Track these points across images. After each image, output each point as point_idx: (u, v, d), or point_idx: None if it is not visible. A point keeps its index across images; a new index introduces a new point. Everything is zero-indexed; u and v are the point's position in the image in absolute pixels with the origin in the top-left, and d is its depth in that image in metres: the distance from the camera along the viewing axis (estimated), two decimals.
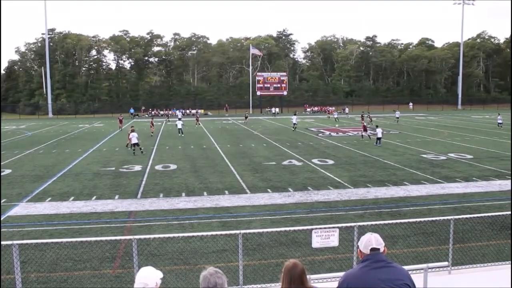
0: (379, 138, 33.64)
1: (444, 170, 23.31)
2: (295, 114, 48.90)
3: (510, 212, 10.94)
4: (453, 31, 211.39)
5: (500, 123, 47.96)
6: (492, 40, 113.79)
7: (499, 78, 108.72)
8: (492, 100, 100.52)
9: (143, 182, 21.06)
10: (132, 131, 30.69)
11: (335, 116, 63.03)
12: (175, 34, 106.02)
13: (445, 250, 9.33)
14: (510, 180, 20.61)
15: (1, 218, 15.28)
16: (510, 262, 8.76)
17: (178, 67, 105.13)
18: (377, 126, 35.36)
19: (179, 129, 43.29)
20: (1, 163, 26.69)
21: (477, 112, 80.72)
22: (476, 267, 9.06)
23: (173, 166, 25.36)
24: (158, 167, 25.09)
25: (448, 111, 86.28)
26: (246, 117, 61.01)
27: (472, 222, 12.79)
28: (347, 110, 77.32)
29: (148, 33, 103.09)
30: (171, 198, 18.01)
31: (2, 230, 13.99)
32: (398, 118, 57.99)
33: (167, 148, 33.29)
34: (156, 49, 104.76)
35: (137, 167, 25.09)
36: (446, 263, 8.23)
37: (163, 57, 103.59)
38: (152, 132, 44.09)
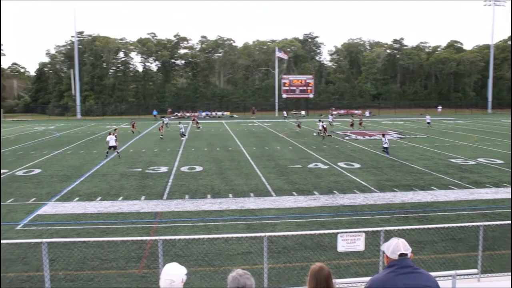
0: (385, 148, 30.12)
1: (473, 175, 22.88)
2: (320, 121, 47.77)
3: None
4: (483, 33, 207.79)
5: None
6: None
7: None
8: None
9: (169, 184, 21.22)
10: (110, 134, 31.09)
11: (330, 121, 58.33)
12: (202, 37, 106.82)
13: (474, 257, 9.15)
14: None
15: (30, 217, 15.57)
16: (510, 273, 8.54)
17: (204, 70, 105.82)
18: (383, 135, 31.87)
19: (181, 132, 42.44)
20: (30, 163, 27.26)
21: (507, 116, 79.03)
22: (506, 275, 8.85)
23: (198, 168, 25.49)
24: (184, 169, 25.25)
25: (477, 115, 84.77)
26: (298, 125, 50.28)
27: (503, 229, 12.54)
28: (367, 113, 76.15)
29: (175, 36, 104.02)
30: (197, 199, 18.09)
31: (31, 228, 14.28)
32: (429, 123, 54.50)
33: (193, 150, 33.48)
34: (182, 51, 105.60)
35: (163, 169, 25.30)
36: (475, 270, 8.08)
37: (190, 59, 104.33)
38: (162, 135, 43.10)
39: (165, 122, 53.26)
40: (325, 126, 42.28)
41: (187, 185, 20.91)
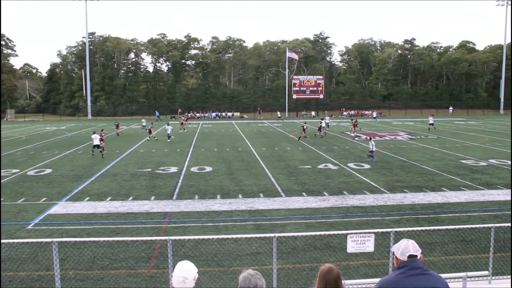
0: (371, 152, 28.32)
1: (485, 177, 22.70)
2: (322, 119, 47.28)
3: None
4: (496, 33, 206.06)
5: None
6: None
7: None
8: None
9: (179, 184, 21.27)
10: (94, 133, 31.30)
11: (327, 121, 55.53)
12: (213, 37, 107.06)
13: (485, 258, 9.08)
14: None
15: (41, 217, 15.68)
16: (510, 275, 8.46)
17: (214, 70, 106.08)
18: (370, 139, 30.67)
19: (168, 134, 41.47)
20: (42, 163, 27.47)
21: None
22: None
23: (208, 168, 25.53)
24: (194, 169, 25.30)
25: (489, 115, 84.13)
26: (304, 129, 42.23)
27: None
28: (375, 114, 75.43)
29: (185, 36, 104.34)
30: (206, 200, 18.11)
31: (42, 227, 14.37)
32: (432, 124, 50.70)
33: (202, 150, 33.55)
34: (193, 52, 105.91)
35: (173, 169, 25.36)
36: (486, 272, 8.01)
37: (200, 60, 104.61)
38: (149, 137, 41.73)
39: (143, 124, 52.08)
40: (322, 125, 42.47)
41: (196, 185, 20.94)
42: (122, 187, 20.57)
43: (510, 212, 16.06)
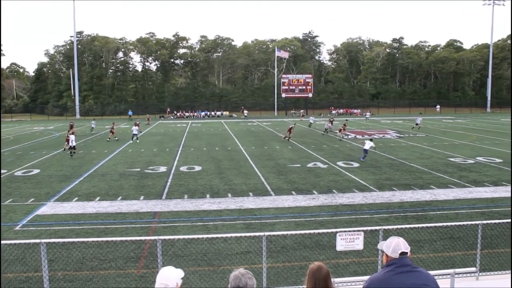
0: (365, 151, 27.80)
1: (472, 174, 22.90)
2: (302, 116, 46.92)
3: None
4: (483, 32, 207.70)
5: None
6: None
7: None
8: None
9: (168, 183, 21.22)
10: (73, 133, 31.29)
11: (311, 122, 55.99)
12: (202, 36, 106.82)
13: (472, 255, 9.16)
14: None
15: (29, 217, 15.57)
16: (510, 271, 8.54)
17: (203, 69, 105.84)
18: (371, 140, 29.19)
19: (133, 134, 39.70)
20: (29, 164, 27.26)
21: (506, 115, 79.07)
22: (504, 273, 8.86)
23: (198, 168, 25.49)
24: (183, 168, 25.25)
25: (476, 114, 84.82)
26: (290, 130, 40.18)
27: (501, 228, 12.54)
28: (368, 114, 75.14)
29: (174, 35, 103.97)
30: (196, 199, 18.09)
31: (30, 228, 14.27)
32: (418, 124, 50.04)
33: (192, 150, 33.48)
34: (181, 51, 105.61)
35: (162, 168, 25.29)
36: (473, 269, 8.08)
37: (189, 59, 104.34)
38: (109, 138, 40.69)
39: (92, 126, 50.75)
40: (292, 126, 41.46)
41: (186, 184, 20.90)
42: (111, 187, 20.47)
43: (497, 209, 16.22)
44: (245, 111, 79.71)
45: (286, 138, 39.53)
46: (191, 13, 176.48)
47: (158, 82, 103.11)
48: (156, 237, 8.24)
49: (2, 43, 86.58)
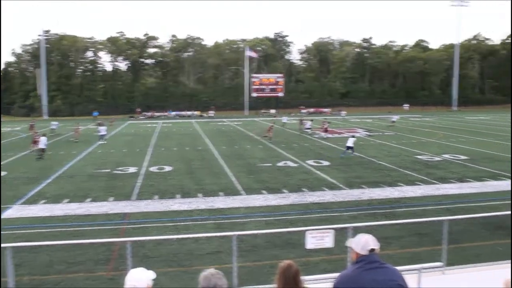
0: (349, 147, 29.07)
1: (439, 171, 23.37)
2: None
3: (506, 212, 10.98)
4: (449, 32, 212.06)
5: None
6: (488, 41, 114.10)
7: (494, 80, 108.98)
8: (487, 102, 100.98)
9: (138, 184, 21.03)
10: (43, 135, 30.83)
11: (284, 121, 55.52)
12: (172, 36, 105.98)
13: (439, 250, 9.33)
14: (506, 181, 20.71)
15: (1, 219, 15.22)
16: (510, 261, 8.74)
17: (174, 69, 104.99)
18: (353, 136, 30.64)
19: (101, 135, 38.78)
20: None
21: (472, 114, 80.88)
22: (470, 267, 9.07)
23: (168, 168, 25.33)
24: (153, 169, 25.06)
25: (443, 112, 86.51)
26: (270, 129, 40.36)
27: (466, 223, 12.87)
28: (343, 113, 75.61)
29: (144, 35, 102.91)
30: (166, 200, 17.99)
31: None
32: (394, 121, 53.23)
33: (162, 150, 33.24)
34: (152, 50, 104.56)
35: (132, 169, 25.05)
36: (440, 264, 8.24)
37: (159, 58, 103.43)
38: (76, 139, 40.06)
39: (53, 127, 49.24)
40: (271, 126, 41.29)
41: (156, 185, 20.76)
42: (79, 188, 20.17)
43: (462, 205, 16.61)
44: (210, 111, 79.07)
45: (267, 137, 39.52)
46: (161, 12, 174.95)
47: (128, 82, 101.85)
48: (126, 239, 8.19)
49: None
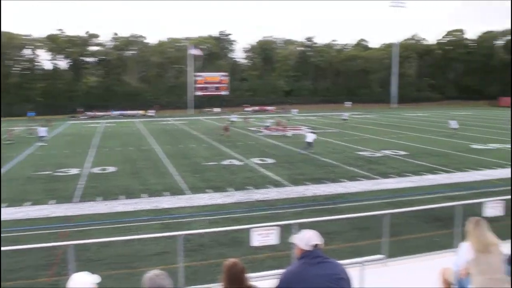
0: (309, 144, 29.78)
1: (380, 167, 24.08)
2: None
3: (442, 205, 11.49)
4: (388, 32, 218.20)
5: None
6: (424, 41, 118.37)
7: (431, 78, 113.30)
8: (424, 99, 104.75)
9: (81, 186, 20.52)
10: None
11: (232, 120, 54.86)
12: (114, 34, 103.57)
13: (380, 243, 9.65)
14: (442, 175, 21.63)
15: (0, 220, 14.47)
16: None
17: (116, 67, 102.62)
18: (313, 132, 31.75)
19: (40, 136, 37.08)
20: None
21: (410, 111, 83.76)
22: (410, 258, 9.43)
23: (111, 169, 24.83)
24: (96, 170, 24.51)
25: (383, 109, 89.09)
26: (226, 128, 40.91)
27: (406, 216, 13.36)
28: (295, 111, 75.33)
29: (85, 32, 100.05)
30: (110, 201, 17.65)
31: None
32: (345, 119, 53.65)
33: (105, 150, 32.54)
34: (93, 48, 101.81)
35: (74, 170, 24.40)
36: (381, 256, 8.50)
37: (101, 57, 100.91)
38: (10, 140, 38.58)
39: None
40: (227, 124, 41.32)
41: (99, 186, 20.32)
42: (18, 192, 19.46)
43: (402, 199, 17.21)
44: (151, 111, 77.01)
45: (223, 135, 39.10)
46: (102, 10, 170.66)
47: (69, 81, 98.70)
48: (68, 242, 7.98)
49: None
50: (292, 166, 24.66)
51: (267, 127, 44.71)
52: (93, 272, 3.94)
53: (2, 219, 15.32)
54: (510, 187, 18.18)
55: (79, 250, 11.15)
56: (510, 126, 41.58)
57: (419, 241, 12.17)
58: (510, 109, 69.79)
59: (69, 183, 21.20)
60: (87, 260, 11.17)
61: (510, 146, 30.51)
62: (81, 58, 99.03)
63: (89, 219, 15.28)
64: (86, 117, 78.25)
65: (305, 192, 18.62)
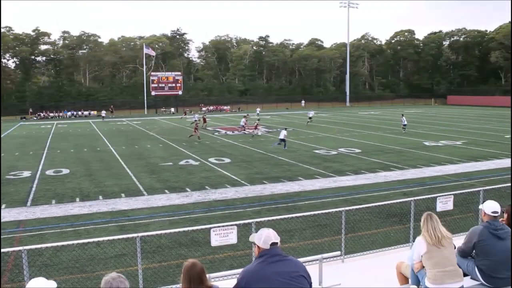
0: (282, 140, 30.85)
1: (336, 164, 24.48)
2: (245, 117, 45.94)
3: (396, 201, 11.80)
4: (340, 32, 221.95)
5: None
6: (375, 41, 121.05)
7: (382, 77, 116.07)
8: (377, 97, 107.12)
9: (33, 189, 19.95)
10: None
11: (195, 119, 52.41)
12: (64, 32, 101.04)
13: (338, 240, 9.83)
14: (395, 172, 22.18)
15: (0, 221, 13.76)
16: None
17: (68, 67, 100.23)
18: (285, 129, 32.81)
19: None
20: None
21: (363, 109, 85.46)
22: (366, 253, 9.64)
23: (65, 171, 24.26)
24: (49, 172, 23.89)
25: (337, 108, 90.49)
26: (196, 129, 39.10)
27: (362, 212, 13.64)
28: (258, 110, 74.28)
29: (34, 30, 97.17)
30: (65, 204, 17.25)
31: None
32: (311, 118, 52.65)
33: (58, 152, 31.74)
34: (43, 47, 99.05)
35: (26, 173, 23.70)
36: (339, 253, 8.66)
37: (52, 56, 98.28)
38: None
39: None
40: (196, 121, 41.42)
41: (53, 189, 19.82)
42: None
43: (358, 196, 17.57)
44: (103, 112, 74.23)
45: (192, 136, 38.30)
46: (52, 7, 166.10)
47: (18, 81, 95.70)
48: (21, 248, 7.76)
49: None
50: (249, 165, 24.75)
51: (241, 127, 44.20)
52: (49, 278, 3.87)
53: None
54: (467, 181, 18.88)
55: (33, 255, 10.88)
56: (447, 123, 43.04)
57: (374, 237, 12.45)
58: (459, 107, 72.17)
59: (20, 186, 20.57)
60: (42, 265, 10.91)
61: (459, 143, 31.66)
62: (30, 57, 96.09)
63: (43, 223, 14.89)
64: (37, 118, 76.06)
65: (262, 191, 18.73)
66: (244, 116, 47.12)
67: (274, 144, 31.83)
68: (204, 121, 49.17)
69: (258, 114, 60.44)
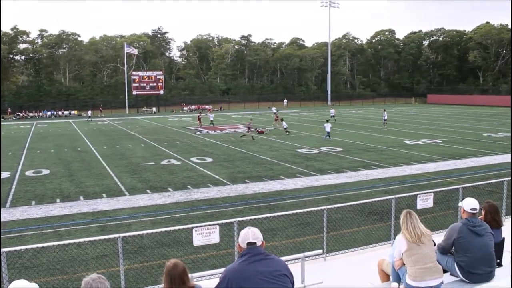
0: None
1: (317, 163, 24.60)
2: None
3: (377, 199, 11.91)
4: (322, 31, 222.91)
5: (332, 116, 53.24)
6: (356, 40, 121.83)
7: (363, 76, 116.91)
8: (358, 96, 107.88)
9: (12, 190, 19.68)
10: None
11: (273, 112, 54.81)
12: (41, 30, 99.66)
13: (320, 238, 9.88)
14: (376, 170, 22.37)
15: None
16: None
17: (47, 66, 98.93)
18: (327, 121, 37.10)
19: None
20: None
21: (345, 108, 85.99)
22: (348, 251, 9.72)
23: (45, 171, 23.99)
24: (29, 173, 23.60)
25: (319, 107, 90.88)
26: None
27: (344, 211, 13.72)
28: (274, 109, 72.88)
29: (12, 29, 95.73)
30: (45, 205, 17.05)
31: None
32: (333, 116, 53.79)
33: (38, 152, 31.36)
34: (22, 46, 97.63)
35: (5, 174, 23.36)
36: (321, 251, 8.70)
37: (31, 55, 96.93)
38: None
39: None
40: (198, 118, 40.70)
41: (33, 190, 19.58)
42: None
43: (340, 194, 17.68)
44: (89, 111, 72.69)
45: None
46: (32, 6, 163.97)
47: None
48: None
49: None
50: (230, 165, 24.74)
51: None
52: (29, 280, 3.84)
53: None
54: (446, 179, 19.12)
55: (12, 257, 10.75)
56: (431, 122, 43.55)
57: (356, 235, 12.55)
58: (438, 106, 73.02)
59: None
60: (21, 268, 10.78)
61: (439, 142, 32.07)
62: (9, 56, 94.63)
63: (22, 225, 14.71)
64: (16, 117, 75.05)
65: (245, 190, 18.74)
66: (249, 120, 47.04)
67: (324, 137, 34.97)
68: (199, 120, 49.12)
69: (275, 112, 58.06)
